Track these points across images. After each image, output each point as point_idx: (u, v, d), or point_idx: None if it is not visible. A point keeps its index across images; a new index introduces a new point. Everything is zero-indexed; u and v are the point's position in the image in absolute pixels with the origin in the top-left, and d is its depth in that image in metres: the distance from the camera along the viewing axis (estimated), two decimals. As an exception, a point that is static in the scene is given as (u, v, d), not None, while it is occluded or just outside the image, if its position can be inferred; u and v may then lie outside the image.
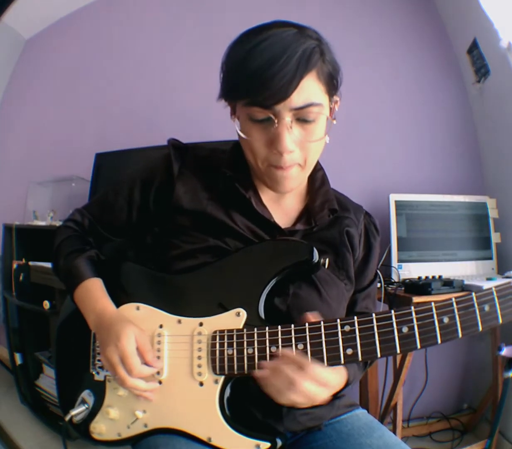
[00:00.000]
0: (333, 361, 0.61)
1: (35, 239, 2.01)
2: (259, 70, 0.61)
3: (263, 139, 0.67)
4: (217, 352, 0.66)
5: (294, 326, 0.63)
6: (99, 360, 0.75)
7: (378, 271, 0.95)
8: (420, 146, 1.92)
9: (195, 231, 0.75)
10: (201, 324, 0.68)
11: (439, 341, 0.56)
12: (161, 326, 0.71)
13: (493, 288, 0.56)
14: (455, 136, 1.91)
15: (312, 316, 0.64)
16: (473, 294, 0.56)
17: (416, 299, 1.32)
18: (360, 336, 0.60)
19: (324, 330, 0.61)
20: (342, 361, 0.60)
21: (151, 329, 0.71)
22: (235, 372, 0.64)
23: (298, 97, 0.63)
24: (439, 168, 1.89)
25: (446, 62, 1.91)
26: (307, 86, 0.63)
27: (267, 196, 0.79)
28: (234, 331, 0.66)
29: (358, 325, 0.60)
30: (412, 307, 0.58)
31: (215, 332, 0.67)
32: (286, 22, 0.66)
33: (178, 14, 2.14)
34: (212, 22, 2.06)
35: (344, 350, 0.60)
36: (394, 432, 1.44)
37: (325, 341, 0.61)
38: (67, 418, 0.74)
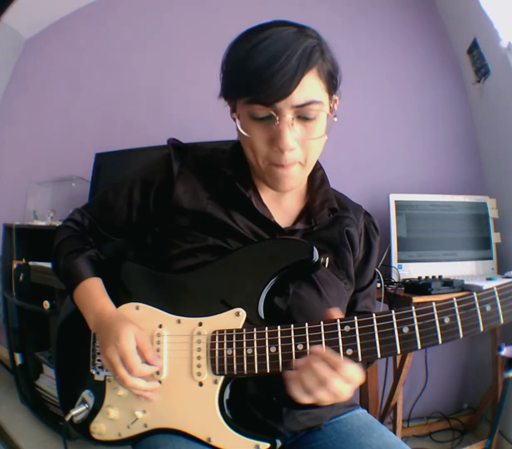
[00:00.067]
0: (333, 361, 0.60)
1: (35, 239, 2.01)
2: (260, 68, 0.61)
3: (264, 137, 0.67)
4: (217, 352, 0.65)
5: (294, 326, 0.63)
6: (99, 360, 0.75)
7: (378, 271, 0.95)
8: (420, 146, 1.92)
9: (195, 230, 0.74)
10: (200, 324, 0.68)
11: (440, 342, 0.56)
12: (160, 326, 0.71)
13: (495, 288, 0.56)
14: (455, 136, 1.91)
15: (335, 312, 0.63)
16: (475, 294, 0.56)
17: (416, 299, 1.32)
18: (360, 336, 0.59)
19: (324, 330, 0.61)
20: (342, 362, 0.60)
21: (150, 329, 0.71)
22: (235, 372, 0.64)
23: (299, 95, 0.63)
24: (439, 168, 1.89)
25: (446, 62, 1.91)
26: (308, 84, 0.63)
27: (267, 196, 0.79)
28: (234, 331, 0.65)
29: (358, 325, 0.60)
30: (413, 307, 0.58)
31: (214, 332, 0.67)
32: (286, 22, 0.67)
33: (178, 14, 2.14)
34: (212, 21, 2.06)
35: (344, 350, 0.59)
36: (394, 432, 1.44)
37: (325, 342, 0.60)
38: (68, 418, 0.74)
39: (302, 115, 0.65)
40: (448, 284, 1.36)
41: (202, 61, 1.93)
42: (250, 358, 0.63)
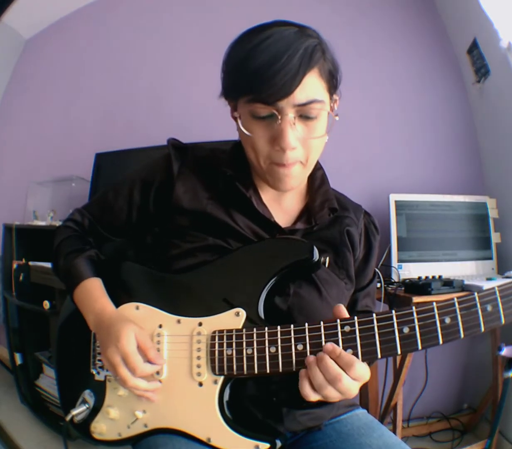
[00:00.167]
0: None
1: (35, 239, 2.01)
2: (262, 67, 0.61)
3: (266, 136, 0.67)
4: (216, 352, 0.65)
5: (294, 327, 0.63)
6: (99, 360, 0.75)
7: (378, 271, 0.95)
8: (420, 146, 1.92)
9: (195, 230, 0.74)
10: (200, 324, 0.68)
11: (441, 342, 0.56)
12: (160, 326, 0.71)
13: (496, 288, 0.55)
14: (455, 136, 1.91)
15: (342, 309, 0.63)
16: (476, 294, 0.56)
17: (416, 299, 1.32)
18: (360, 337, 0.59)
19: (324, 330, 0.61)
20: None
21: (150, 329, 0.71)
22: (235, 373, 0.64)
23: (301, 94, 0.63)
24: (439, 168, 1.89)
25: (446, 62, 1.91)
26: (309, 83, 0.64)
27: (267, 196, 0.79)
28: (233, 331, 0.65)
29: (358, 325, 0.60)
30: (413, 307, 0.58)
31: (214, 332, 0.66)
32: (286, 22, 0.67)
33: (178, 14, 2.14)
34: (212, 21, 2.06)
35: (344, 350, 0.59)
36: (394, 432, 1.44)
37: (325, 342, 0.60)
38: (68, 417, 0.74)
39: (304, 114, 0.65)
40: (448, 284, 1.36)
41: (202, 61, 1.93)
42: (250, 358, 0.63)
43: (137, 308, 0.73)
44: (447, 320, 0.56)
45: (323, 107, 0.66)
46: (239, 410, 0.67)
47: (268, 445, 0.63)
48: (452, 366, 1.92)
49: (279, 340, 0.62)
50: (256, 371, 0.63)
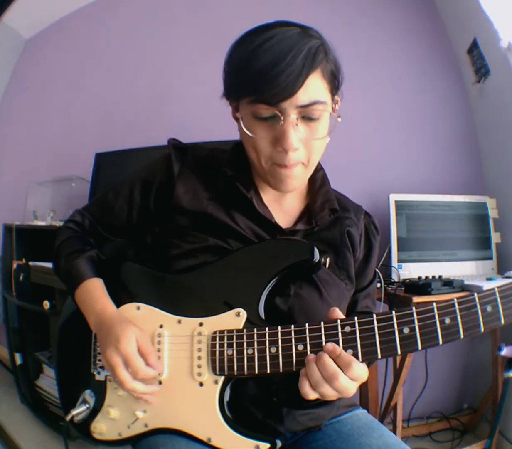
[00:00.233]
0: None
1: (35, 239, 2.01)
2: (265, 67, 0.61)
3: (268, 137, 0.67)
4: (217, 352, 0.65)
5: (294, 327, 0.63)
6: (100, 360, 0.75)
7: (378, 271, 0.95)
8: (420, 146, 1.92)
9: (196, 231, 0.74)
10: (201, 324, 0.68)
11: (441, 342, 0.56)
12: (161, 326, 0.71)
13: (496, 289, 0.55)
14: (455, 136, 1.91)
15: (337, 312, 0.63)
16: (475, 294, 0.56)
17: (416, 299, 1.32)
18: (360, 337, 0.59)
19: (324, 330, 0.61)
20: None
21: (151, 329, 0.71)
22: (235, 373, 0.64)
23: (303, 95, 0.63)
24: (439, 168, 1.89)
25: (446, 62, 1.91)
26: (312, 84, 0.64)
27: (268, 196, 0.79)
28: (234, 331, 0.65)
29: (359, 325, 0.60)
30: (413, 308, 0.58)
31: (215, 332, 0.67)
32: (288, 22, 0.67)
33: (178, 14, 2.14)
34: (212, 21, 2.06)
35: (345, 350, 0.59)
36: (394, 432, 1.44)
37: (325, 342, 0.60)
38: (68, 417, 0.74)
39: (306, 115, 0.65)
40: (448, 284, 1.36)
41: (202, 61, 1.93)
42: (251, 358, 0.63)
43: (138, 308, 0.73)
44: (447, 320, 0.56)
45: (325, 108, 0.66)
46: (240, 410, 0.67)
47: (268, 445, 0.63)
48: (452, 366, 1.92)
49: (279, 340, 0.62)
50: (256, 371, 0.63)
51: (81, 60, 2.31)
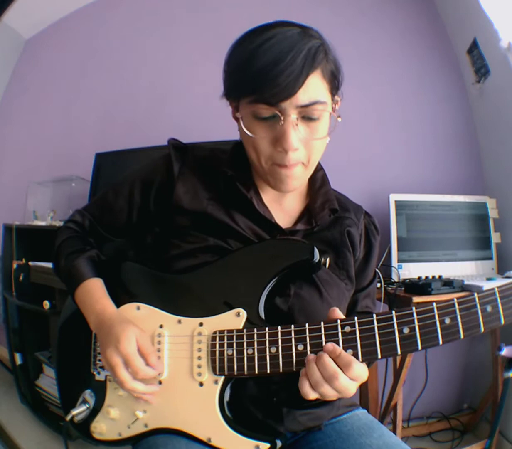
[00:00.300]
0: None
1: (35, 239, 2.01)
2: (266, 67, 0.61)
3: (268, 137, 0.67)
4: (217, 352, 0.65)
5: (294, 327, 0.63)
6: (100, 360, 0.75)
7: (378, 271, 0.95)
8: (420, 146, 1.92)
9: (196, 231, 0.74)
10: (201, 324, 0.68)
11: (441, 342, 0.56)
12: (161, 326, 0.71)
13: (496, 289, 0.56)
14: (455, 136, 1.91)
15: (337, 312, 0.63)
16: (475, 294, 0.56)
17: (416, 299, 1.32)
18: (360, 337, 0.59)
19: (324, 330, 0.61)
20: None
21: (151, 329, 0.71)
22: (235, 373, 0.64)
23: (303, 95, 0.63)
24: (439, 168, 1.89)
25: (446, 62, 1.91)
26: (312, 84, 0.64)
27: (268, 196, 0.79)
28: (234, 331, 0.65)
29: (359, 325, 0.60)
30: (413, 308, 0.58)
31: (215, 332, 0.67)
32: (289, 22, 0.67)
33: (178, 14, 2.14)
34: (212, 21, 2.06)
35: (345, 350, 0.59)
36: (394, 432, 1.44)
37: (325, 342, 0.60)
38: (68, 417, 0.74)
39: (306, 115, 0.65)
40: (448, 284, 1.36)
41: (202, 61, 1.93)
42: (251, 358, 0.63)
43: (138, 308, 0.73)
44: (447, 320, 0.56)
45: (325, 108, 0.66)
46: (240, 410, 0.67)
47: (268, 445, 0.63)
48: (452, 366, 1.92)
49: (279, 340, 0.62)
50: (256, 371, 0.63)
51: (81, 60, 2.30)
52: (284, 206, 0.80)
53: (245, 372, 0.64)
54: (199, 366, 0.66)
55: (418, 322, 0.57)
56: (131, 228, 0.84)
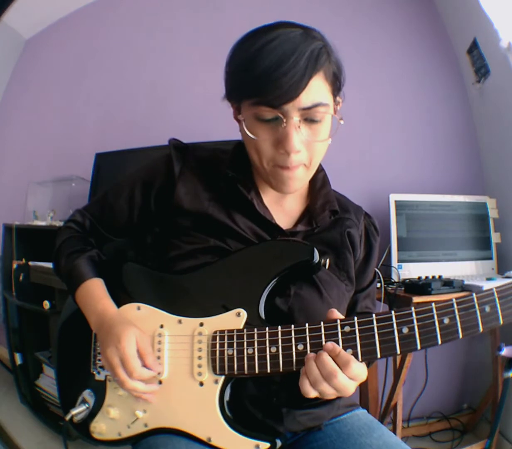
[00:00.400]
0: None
1: (35, 239, 2.01)
2: (268, 69, 0.61)
3: (271, 139, 0.67)
4: (217, 352, 0.66)
5: (294, 327, 0.63)
6: (100, 360, 0.75)
7: (378, 271, 0.95)
8: (420, 146, 1.92)
9: (196, 231, 0.75)
10: (201, 324, 0.68)
11: (440, 342, 0.56)
12: (161, 326, 0.71)
13: (494, 289, 0.56)
14: (455, 136, 1.91)
15: (335, 313, 0.64)
16: (474, 294, 0.56)
17: (416, 299, 1.32)
18: (360, 337, 0.60)
19: (324, 330, 0.61)
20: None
21: (151, 329, 0.71)
22: (235, 372, 0.64)
23: (306, 97, 0.63)
24: (439, 168, 1.89)
25: (446, 62, 1.91)
26: (315, 86, 0.63)
27: (268, 197, 0.79)
28: (234, 331, 0.66)
29: (358, 325, 0.60)
30: (413, 308, 0.58)
31: (215, 332, 0.67)
32: (291, 23, 0.66)
33: (178, 14, 2.14)
34: (212, 21, 2.06)
35: (344, 350, 0.59)
36: (394, 432, 1.44)
37: (325, 342, 0.61)
38: (68, 417, 0.74)
39: (309, 118, 0.65)
40: (448, 284, 1.36)
41: (203, 61, 1.93)
42: (251, 358, 0.64)
43: (139, 308, 0.73)
44: (446, 320, 0.56)
45: (327, 111, 0.66)
46: (240, 410, 0.67)
47: (268, 445, 0.63)
48: (452, 366, 1.92)
49: (280, 340, 0.63)
50: (257, 371, 0.63)
51: (81, 60, 2.30)
52: (284, 207, 0.80)
53: (246, 372, 0.64)
54: (199, 366, 0.67)
55: (417, 322, 0.57)
56: (131, 228, 0.84)
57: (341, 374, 0.58)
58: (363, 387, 1.64)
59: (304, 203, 0.82)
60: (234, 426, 0.65)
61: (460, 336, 0.56)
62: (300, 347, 0.62)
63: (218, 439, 0.65)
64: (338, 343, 0.60)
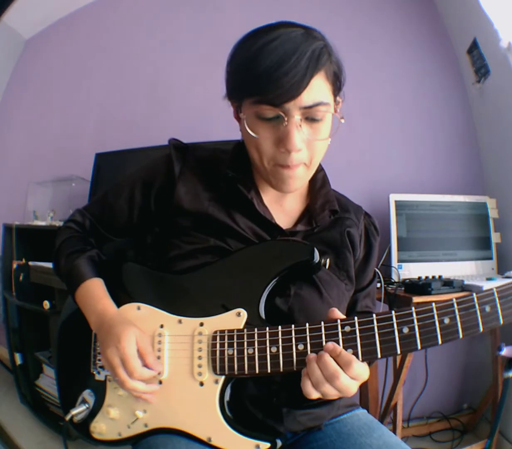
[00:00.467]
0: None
1: (35, 239, 2.00)
2: (270, 68, 0.61)
3: (272, 137, 0.67)
4: (218, 352, 0.66)
5: (295, 327, 0.63)
6: (100, 360, 0.75)
7: (378, 271, 0.95)
8: (420, 146, 1.92)
9: (196, 231, 0.75)
10: (201, 324, 0.68)
11: (440, 342, 0.56)
12: (162, 326, 0.71)
13: (494, 289, 0.56)
14: (455, 136, 1.91)
15: (336, 312, 0.64)
16: (474, 294, 0.56)
17: (416, 299, 1.32)
18: (360, 337, 0.60)
19: (325, 330, 0.61)
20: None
21: (151, 329, 0.71)
22: (235, 372, 0.64)
23: (307, 96, 0.63)
24: (439, 168, 1.89)
25: (446, 62, 1.91)
26: (316, 85, 0.64)
27: (268, 197, 0.79)
28: (235, 331, 0.66)
29: (359, 325, 0.60)
30: (413, 308, 0.58)
31: (215, 332, 0.67)
32: (292, 23, 0.67)
33: (177, 14, 2.14)
34: (212, 21, 2.06)
35: (345, 350, 0.59)
36: (394, 432, 1.44)
37: (326, 342, 0.61)
38: (68, 417, 0.74)
39: (310, 116, 0.65)
40: (448, 284, 1.36)
41: (203, 61, 1.93)
42: (251, 358, 0.64)
43: (139, 308, 0.73)
44: (446, 320, 0.56)
45: (328, 110, 0.67)
46: (240, 410, 0.67)
47: (268, 445, 0.63)
48: (452, 366, 1.92)
49: (280, 340, 0.63)
50: (257, 371, 0.63)
51: (82, 60, 2.30)
52: (284, 207, 0.81)
53: (246, 372, 0.64)
54: (199, 366, 0.67)
55: (418, 322, 0.57)
56: (131, 228, 0.84)
57: (343, 375, 0.58)
58: (363, 387, 1.64)
59: (304, 202, 0.82)
60: (234, 426, 0.65)
61: (461, 336, 0.56)
62: (301, 347, 0.62)
63: (218, 439, 0.65)
64: (338, 343, 0.60)
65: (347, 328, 0.60)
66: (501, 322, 0.55)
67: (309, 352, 0.61)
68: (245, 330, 0.65)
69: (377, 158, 1.91)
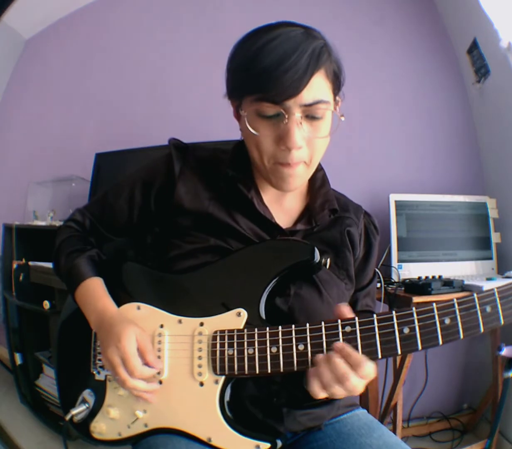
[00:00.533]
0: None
1: (35, 239, 2.00)
2: (271, 66, 0.62)
3: (272, 135, 0.67)
4: (218, 352, 0.66)
5: (295, 327, 0.63)
6: (100, 360, 0.75)
7: (378, 271, 0.95)
8: (420, 146, 1.92)
9: (196, 231, 0.75)
10: (201, 324, 0.68)
11: (441, 342, 0.56)
12: (161, 326, 0.71)
13: (495, 289, 0.56)
14: (455, 136, 1.91)
15: (345, 308, 0.63)
16: (475, 295, 0.56)
17: (416, 299, 1.32)
18: (361, 337, 0.59)
19: (325, 330, 0.61)
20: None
21: (151, 329, 0.71)
22: (236, 373, 0.64)
23: (308, 94, 0.63)
24: (439, 168, 1.89)
25: (446, 62, 1.91)
26: (316, 84, 0.64)
27: (268, 196, 0.79)
28: (235, 331, 0.65)
29: (359, 325, 0.60)
30: (413, 308, 0.58)
31: (215, 332, 0.67)
32: (291, 23, 0.67)
33: (177, 14, 2.14)
34: (212, 21, 2.06)
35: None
36: (394, 432, 1.44)
37: (326, 342, 0.60)
38: (68, 417, 0.74)
39: (310, 114, 0.66)
40: (448, 284, 1.36)
41: (203, 61, 1.93)
42: (251, 358, 0.63)
43: (139, 308, 0.73)
44: (447, 320, 0.56)
45: (328, 107, 0.67)
46: (240, 410, 0.67)
47: (268, 445, 0.63)
48: (452, 366, 1.92)
49: (280, 340, 0.63)
50: (257, 371, 0.63)
51: (82, 60, 2.30)
52: (284, 206, 0.81)
53: (246, 372, 0.64)
54: (199, 366, 0.67)
55: (418, 322, 0.57)
56: (131, 228, 0.84)
57: (353, 376, 0.58)
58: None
59: (304, 202, 0.82)
60: (234, 426, 0.65)
61: (461, 336, 0.56)
62: (301, 347, 0.62)
63: (218, 439, 0.65)
64: (338, 343, 0.60)
65: (348, 328, 0.60)
66: (502, 322, 0.55)
67: (309, 352, 0.61)
68: (245, 330, 0.65)
69: (377, 158, 1.91)
